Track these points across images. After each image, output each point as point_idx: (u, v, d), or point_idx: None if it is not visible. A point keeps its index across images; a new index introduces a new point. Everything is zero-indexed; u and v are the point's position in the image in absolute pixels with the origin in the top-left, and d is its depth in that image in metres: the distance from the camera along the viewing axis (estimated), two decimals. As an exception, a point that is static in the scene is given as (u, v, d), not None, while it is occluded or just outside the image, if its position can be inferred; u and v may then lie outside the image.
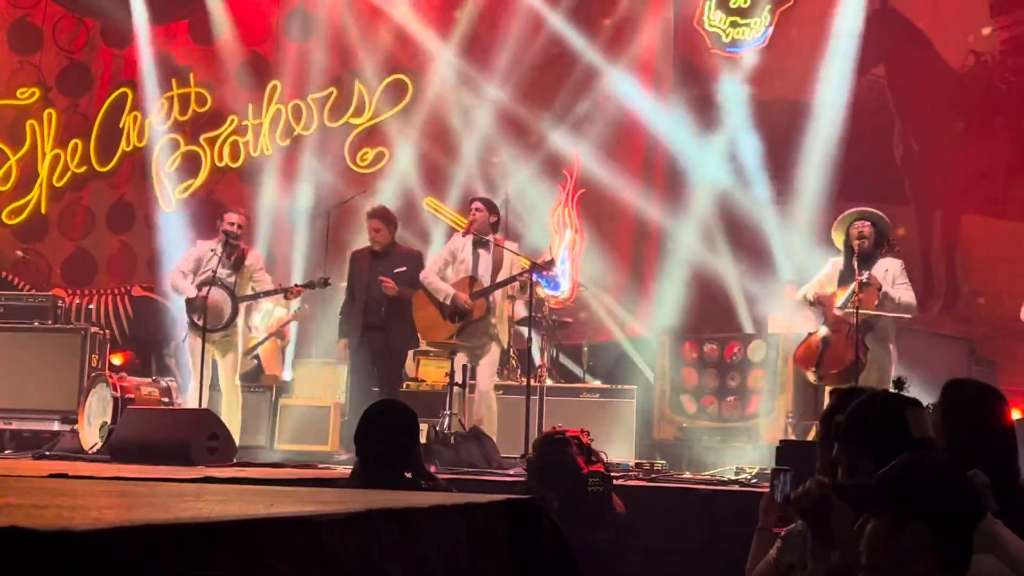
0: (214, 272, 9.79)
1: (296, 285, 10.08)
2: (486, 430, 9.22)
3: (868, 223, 8.53)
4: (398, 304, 9.92)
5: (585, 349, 11.58)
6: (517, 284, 9.44)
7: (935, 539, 2.80)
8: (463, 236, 9.75)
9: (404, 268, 9.94)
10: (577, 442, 6.44)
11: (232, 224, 9.91)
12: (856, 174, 11.69)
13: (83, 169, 14.92)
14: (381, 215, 9.88)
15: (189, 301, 9.85)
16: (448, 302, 9.66)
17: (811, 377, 8.86)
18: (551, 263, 9.49)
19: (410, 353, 11.46)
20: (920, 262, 11.68)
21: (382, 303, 9.90)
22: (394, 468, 4.74)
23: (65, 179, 14.99)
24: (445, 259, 9.88)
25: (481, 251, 9.68)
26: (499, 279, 9.57)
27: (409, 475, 4.87)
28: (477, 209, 9.72)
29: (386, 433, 4.75)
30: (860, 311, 8.22)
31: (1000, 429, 3.92)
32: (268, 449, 10.72)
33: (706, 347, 11.12)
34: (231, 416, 9.69)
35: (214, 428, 8.85)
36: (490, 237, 9.70)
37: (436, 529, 2.52)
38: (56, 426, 10.83)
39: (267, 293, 10.28)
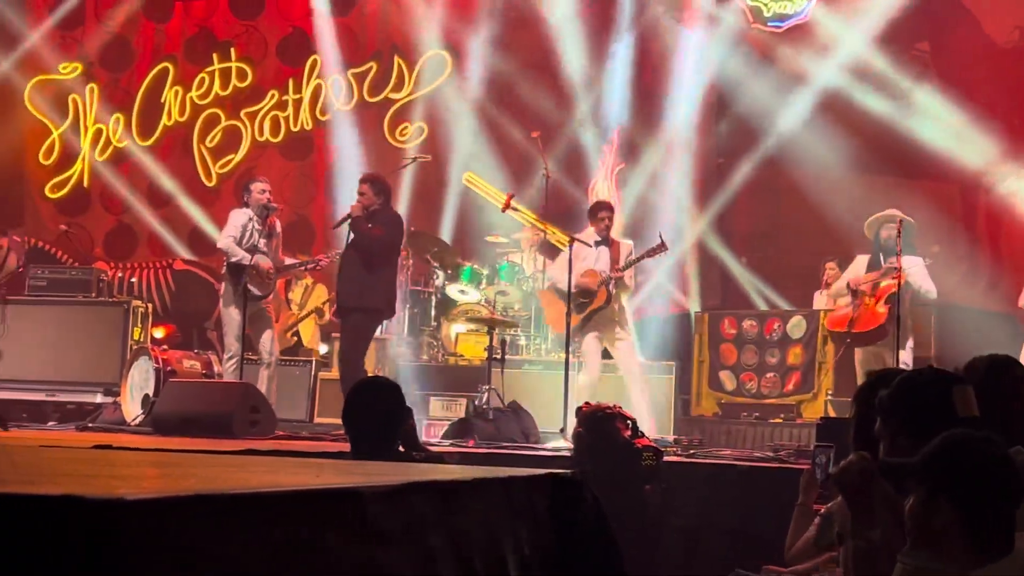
0: (255, 240, 9.81)
1: (340, 253, 10.00)
2: (638, 410, 8.85)
3: (896, 224, 9.35)
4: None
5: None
6: (624, 275, 9.80)
7: (968, 517, 2.80)
8: (595, 247, 9.91)
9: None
10: (622, 417, 6.47)
11: (263, 192, 9.92)
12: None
13: (124, 144, 14.98)
14: (371, 179, 9.78)
15: (236, 267, 9.78)
16: (573, 291, 9.78)
17: (841, 339, 9.67)
18: (663, 247, 9.68)
19: (449, 327, 11.57)
20: (965, 240, 11.79)
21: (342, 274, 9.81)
22: (387, 444, 4.80)
23: (107, 153, 15.04)
24: (566, 261, 10.02)
25: (601, 248, 9.91)
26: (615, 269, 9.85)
27: (402, 449, 4.95)
28: (608, 217, 9.95)
29: (372, 412, 4.81)
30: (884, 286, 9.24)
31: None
32: (307, 423, 10.78)
33: (745, 323, 11.09)
34: (266, 389, 9.68)
35: (255, 401, 8.93)
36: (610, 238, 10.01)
37: (477, 503, 2.52)
38: (99, 398, 10.90)
39: (311, 263, 10.37)
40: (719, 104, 12.72)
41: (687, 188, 12.77)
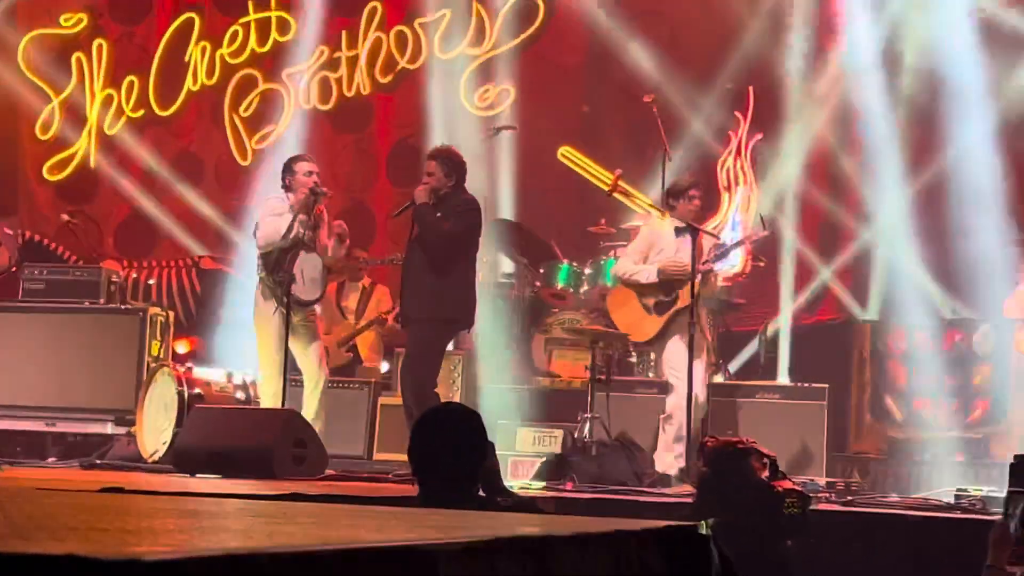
0: (299, 233, 9.86)
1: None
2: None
3: None
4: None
5: (763, 337, 11.65)
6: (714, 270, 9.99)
7: None
8: (677, 235, 9.99)
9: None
10: (758, 454, 6.52)
11: (310, 174, 10.03)
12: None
13: (140, 113, 15.04)
14: (441, 156, 9.78)
15: (275, 264, 9.86)
16: (656, 278, 9.93)
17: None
18: (763, 232, 9.85)
19: (541, 342, 11.62)
20: None
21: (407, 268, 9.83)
22: (463, 486, 4.88)
23: (119, 125, 15.08)
24: (641, 251, 10.24)
25: (682, 239, 9.98)
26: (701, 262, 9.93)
27: (482, 493, 5.05)
28: (696, 196, 10.04)
29: (446, 447, 4.90)
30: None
31: None
32: (365, 460, 10.92)
33: (918, 335, 11.03)
34: (314, 419, 9.78)
35: (301, 433, 9.05)
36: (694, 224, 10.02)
37: (577, 563, 2.52)
38: (109, 429, 11.00)
39: (379, 262, 10.64)
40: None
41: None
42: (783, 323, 11.83)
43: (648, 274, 10.04)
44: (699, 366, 9.76)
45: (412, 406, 9.21)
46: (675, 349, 9.89)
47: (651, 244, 10.24)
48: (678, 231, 10.00)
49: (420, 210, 9.52)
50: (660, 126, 11.65)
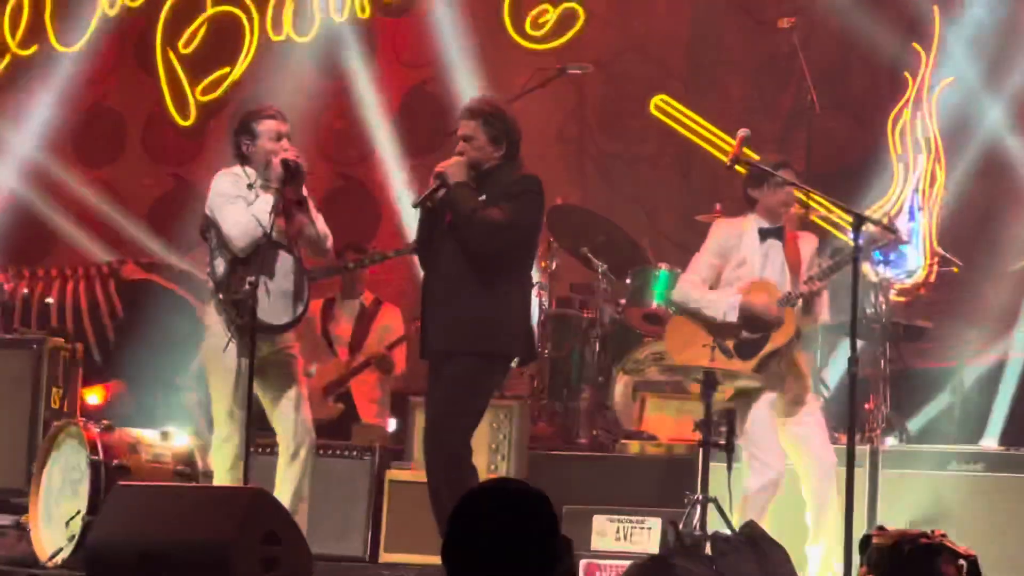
0: (268, 227, 9.58)
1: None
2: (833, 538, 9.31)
3: None
4: None
5: (960, 379, 11.68)
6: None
7: None
8: (762, 239, 10.03)
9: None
10: (950, 553, 6.11)
11: (279, 137, 9.78)
12: None
13: (33, 49, 15.34)
14: (485, 112, 9.38)
15: (228, 278, 9.63)
16: (729, 317, 9.82)
17: None
18: (890, 235, 9.84)
19: (628, 386, 11.83)
20: None
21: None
22: None
23: (2, 64, 15.44)
24: (710, 263, 10.19)
25: (771, 242, 10.05)
26: (804, 279, 9.96)
27: None
28: (787, 182, 10.02)
29: (500, 545, 4.47)
30: None
31: None
32: (366, 563, 10.97)
33: None
34: (291, 503, 9.61)
35: (273, 523, 8.51)
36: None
37: None
38: None
39: (381, 257, 10.61)
40: None
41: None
42: (1012, 358, 11.81)
43: (720, 308, 9.98)
44: (811, 423, 9.87)
45: (441, 484, 9.07)
46: (761, 417, 9.84)
47: (724, 252, 10.21)
48: (764, 232, 10.04)
49: (455, 193, 9.18)
50: (803, 63, 11.76)
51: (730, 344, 9.96)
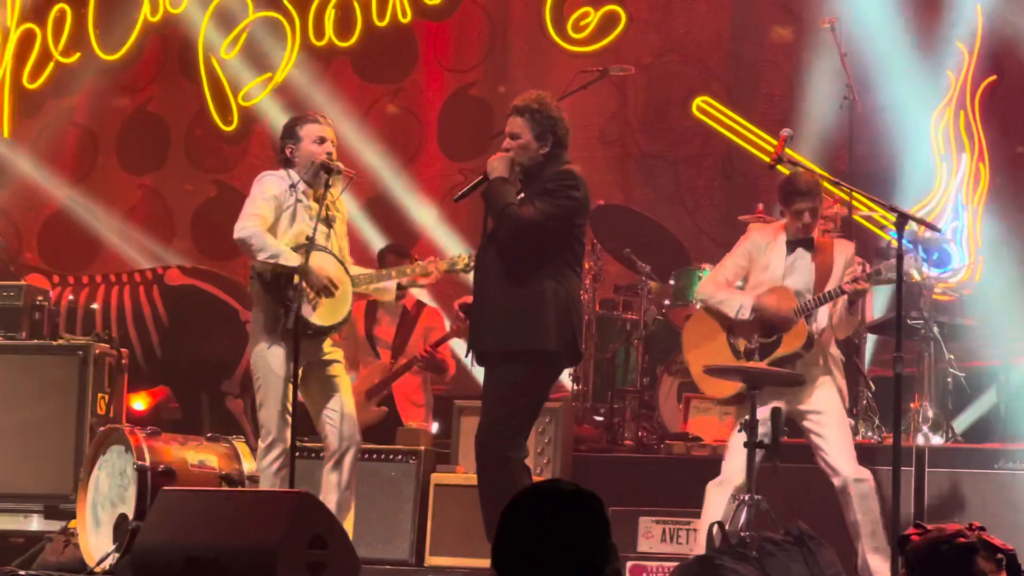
0: (307, 228, 9.69)
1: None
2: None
3: None
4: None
5: (1005, 378, 11.68)
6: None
7: None
8: (790, 250, 10.08)
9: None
10: (989, 549, 6.05)
11: (322, 141, 9.88)
12: None
13: (75, 57, 15.29)
14: (531, 109, 9.34)
15: (275, 279, 9.64)
16: (749, 315, 9.93)
17: None
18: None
19: (673, 387, 12.02)
20: None
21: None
22: None
23: (43, 76, 15.31)
24: (737, 265, 10.30)
25: (799, 252, 10.13)
26: (828, 289, 10.00)
27: None
28: (807, 210, 10.02)
29: (550, 548, 4.53)
30: None
31: None
32: (413, 567, 11.02)
33: None
34: (337, 508, 9.66)
35: (319, 527, 8.67)
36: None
37: None
38: (35, 524, 11.09)
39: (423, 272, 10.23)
40: None
41: None
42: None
43: (734, 305, 10.09)
44: (833, 425, 9.91)
45: (491, 484, 9.13)
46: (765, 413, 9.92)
47: (752, 255, 10.29)
48: (791, 244, 10.13)
49: (491, 187, 9.25)
50: (843, 60, 11.71)
51: (741, 345, 10.11)
